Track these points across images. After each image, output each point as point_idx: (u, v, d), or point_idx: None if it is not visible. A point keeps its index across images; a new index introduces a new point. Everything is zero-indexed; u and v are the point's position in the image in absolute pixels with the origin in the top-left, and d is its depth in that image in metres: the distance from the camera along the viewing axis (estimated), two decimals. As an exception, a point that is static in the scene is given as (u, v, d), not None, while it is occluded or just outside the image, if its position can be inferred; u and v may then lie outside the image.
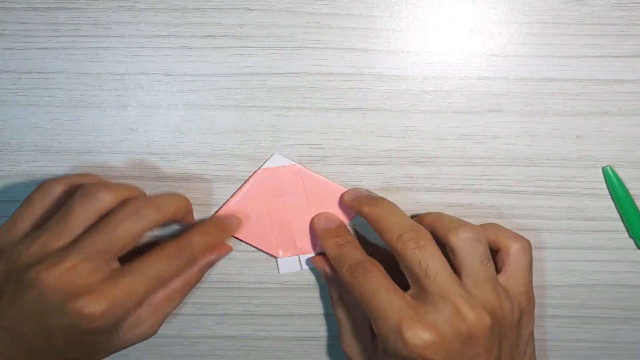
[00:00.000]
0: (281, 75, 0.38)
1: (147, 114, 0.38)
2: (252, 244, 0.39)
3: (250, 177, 0.38)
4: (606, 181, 0.39)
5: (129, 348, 0.41)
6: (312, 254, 0.40)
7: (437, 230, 0.35)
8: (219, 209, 0.39)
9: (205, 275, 0.40)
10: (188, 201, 0.36)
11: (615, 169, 0.38)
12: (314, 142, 0.39)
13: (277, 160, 0.38)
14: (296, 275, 0.41)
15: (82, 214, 0.33)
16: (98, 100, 0.38)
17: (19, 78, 0.38)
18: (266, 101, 0.38)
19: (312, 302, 0.41)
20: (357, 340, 0.38)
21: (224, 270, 0.41)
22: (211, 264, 0.38)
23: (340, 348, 0.42)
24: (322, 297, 0.41)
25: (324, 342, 0.42)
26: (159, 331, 0.41)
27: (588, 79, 0.38)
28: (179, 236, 0.35)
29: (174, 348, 0.42)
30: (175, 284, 0.36)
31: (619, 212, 0.39)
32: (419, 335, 0.32)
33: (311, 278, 0.41)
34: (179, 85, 0.38)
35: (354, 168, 0.39)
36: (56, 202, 0.35)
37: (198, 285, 0.39)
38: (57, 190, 0.35)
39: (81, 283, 0.31)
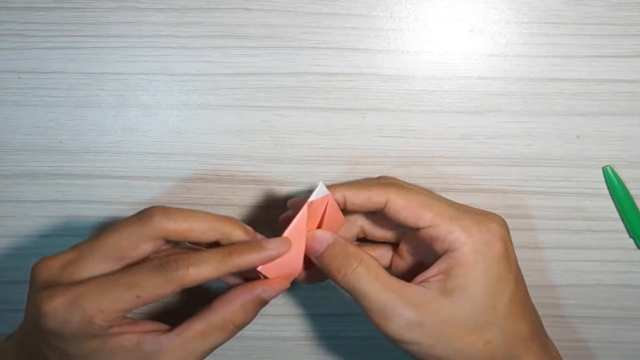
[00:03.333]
0: (281, 75, 0.38)
1: (147, 114, 0.38)
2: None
3: (298, 213, 0.32)
4: (606, 181, 0.39)
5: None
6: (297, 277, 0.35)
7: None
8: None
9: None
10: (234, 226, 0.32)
11: (615, 169, 0.38)
12: (314, 142, 0.39)
13: (322, 191, 0.32)
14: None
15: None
16: (98, 100, 0.38)
17: (19, 78, 0.38)
18: (266, 101, 0.38)
19: (312, 302, 0.41)
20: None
21: (224, 270, 0.41)
22: (262, 302, 0.32)
23: (340, 348, 0.42)
24: (322, 297, 0.41)
25: (324, 342, 0.42)
26: (159, 331, 0.41)
27: (588, 79, 0.38)
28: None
29: (174, 348, 0.42)
30: (214, 318, 0.31)
31: (619, 212, 0.39)
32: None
33: (311, 278, 0.41)
34: (179, 85, 0.38)
35: (354, 168, 0.39)
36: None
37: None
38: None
39: (57, 275, 0.30)
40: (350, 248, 0.33)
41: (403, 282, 0.32)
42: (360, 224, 0.36)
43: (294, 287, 0.41)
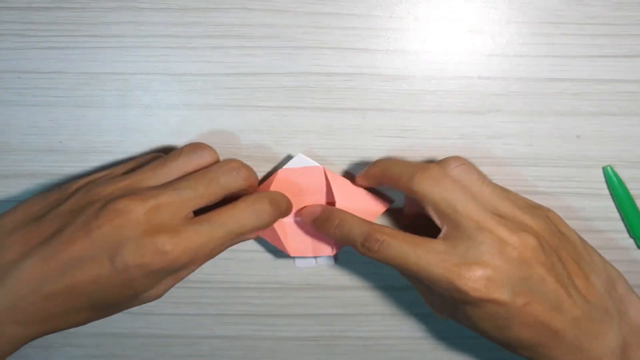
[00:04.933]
0: (281, 75, 0.38)
1: (147, 114, 0.38)
2: (269, 240, 0.38)
3: (272, 175, 0.38)
4: (606, 181, 0.39)
5: (126, 347, 0.42)
6: (329, 255, 0.38)
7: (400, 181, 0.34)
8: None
9: (205, 275, 0.40)
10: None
11: (615, 169, 0.38)
12: (314, 142, 0.39)
13: (300, 161, 0.37)
14: (296, 275, 0.41)
15: (183, 163, 0.34)
16: (98, 100, 0.38)
17: (19, 78, 0.38)
18: (266, 101, 0.38)
19: (312, 302, 0.41)
20: (432, 295, 0.35)
21: (224, 270, 0.41)
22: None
23: (340, 348, 0.42)
24: (322, 297, 0.41)
25: (324, 342, 0.42)
26: (159, 331, 0.41)
27: (588, 79, 0.38)
28: (262, 192, 0.35)
29: (174, 348, 0.42)
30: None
31: (619, 212, 0.39)
32: (471, 278, 0.30)
33: (311, 278, 0.41)
34: (179, 85, 0.38)
35: (354, 168, 0.39)
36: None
37: (198, 285, 0.39)
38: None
39: (164, 221, 0.31)
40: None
41: (420, 238, 0.32)
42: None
43: (294, 287, 0.41)
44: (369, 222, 0.34)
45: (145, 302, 0.33)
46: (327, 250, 0.38)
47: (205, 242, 0.32)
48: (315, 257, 0.40)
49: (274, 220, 0.35)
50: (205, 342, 0.42)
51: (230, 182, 0.33)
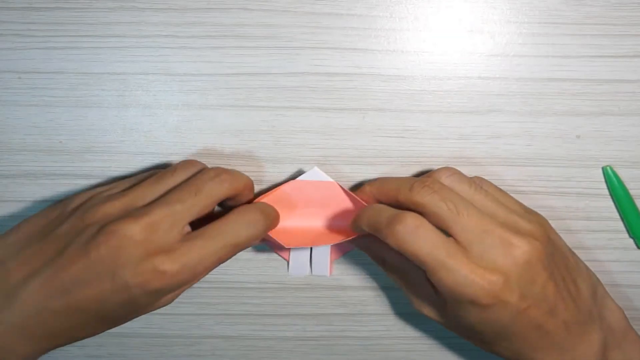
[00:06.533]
0: (281, 75, 0.38)
1: (147, 114, 0.38)
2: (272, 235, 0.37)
3: (283, 184, 0.38)
4: (606, 181, 0.39)
5: (126, 347, 0.42)
6: (324, 246, 0.39)
7: (395, 197, 0.34)
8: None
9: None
10: (250, 179, 0.36)
11: (615, 169, 0.38)
12: (314, 142, 0.39)
13: (315, 175, 0.37)
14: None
15: (179, 179, 0.34)
16: (98, 100, 0.38)
17: (19, 78, 0.38)
18: (266, 101, 0.38)
19: (312, 302, 0.41)
20: (422, 296, 0.36)
21: (224, 270, 0.41)
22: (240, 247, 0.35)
23: (340, 348, 0.42)
24: (322, 297, 0.41)
25: (324, 342, 0.42)
26: (159, 331, 0.41)
27: (588, 79, 0.38)
28: (253, 203, 0.35)
29: (174, 348, 0.42)
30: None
31: (619, 212, 0.39)
32: (489, 281, 0.31)
33: (311, 278, 0.41)
34: (179, 85, 0.38)
35: (354, 168, 0.39)
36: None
37: (198, 284, 0.39)
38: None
39: (160, 240, 0.31)
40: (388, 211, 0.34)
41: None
42: None
43: (294, 287, 0.41)
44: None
45: (154, 310, 0.34)
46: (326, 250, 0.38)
47: (201, 257, 0.32)
48: (310, 264, 0.40)
49: (267, 230, 0.35)
50: (206, 342, 0.42)
51: (214, 189, 0.33)
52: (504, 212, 0.33)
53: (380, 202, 0.36)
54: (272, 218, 0.35)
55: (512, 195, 0.38)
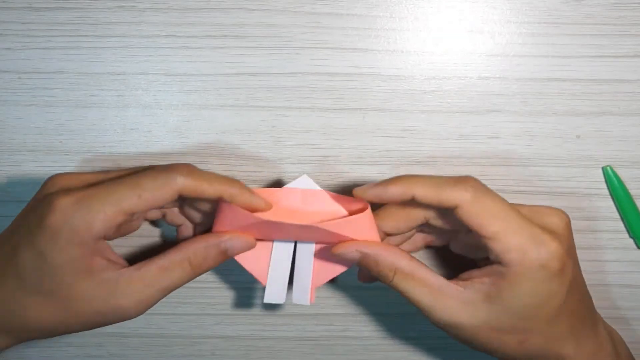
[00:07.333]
0: (281, 75, 0.38)
1: (147, 114, 0.38)
2: (244, 266, 0.35)
3: (270, 188, 0.35)
4: (606, 181, 0.39)
5: (126, 347, 0.41)
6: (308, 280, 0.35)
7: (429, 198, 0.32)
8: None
9: (205, 275, 0.40)
10: (233, 185, 0.33)
11: (615, 169, 0.38)
12: (314, 142, 0.39)
13: (304, 183, 0.35)
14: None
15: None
16: (98, 100, 0.38)
17: (19, 78, 0.38)
18: (266, 101, 0.38)
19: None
20: (452, 298, 0.33)
21: (224, 270, 0.41)
22: (223, 251, 0.33)
23: (340, 348, 0.42)
24: (322, 297, 0.41)
25: (324, 342, 0.42)
26: (159, 331, 0.41)
27: (588, 79, 0.38)
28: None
29: (174, 348, 0.42)
30: (175, 255, 0.32)
31: (619, 212, 0.39)
32: (555, 241, 0.31)
33: (311, 278, 0.41)
34: (179, 85, 0.38)
35: (354, 168, 0.39)
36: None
37: (198, 284, 0.39)
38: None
39: (74, 184, 0.32)
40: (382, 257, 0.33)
41: (442, 281, 0.32)
42: (425, 215, 0.34)
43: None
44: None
45: (107, 319, 0.33)
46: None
47: (100, 198, 0.31)
48: (289, 290, 0.36)
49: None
50: (206, 342, 0.42)
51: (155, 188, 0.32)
52: (522, 208, 0.33)
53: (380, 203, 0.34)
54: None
55: (512, 195, 0.38)
